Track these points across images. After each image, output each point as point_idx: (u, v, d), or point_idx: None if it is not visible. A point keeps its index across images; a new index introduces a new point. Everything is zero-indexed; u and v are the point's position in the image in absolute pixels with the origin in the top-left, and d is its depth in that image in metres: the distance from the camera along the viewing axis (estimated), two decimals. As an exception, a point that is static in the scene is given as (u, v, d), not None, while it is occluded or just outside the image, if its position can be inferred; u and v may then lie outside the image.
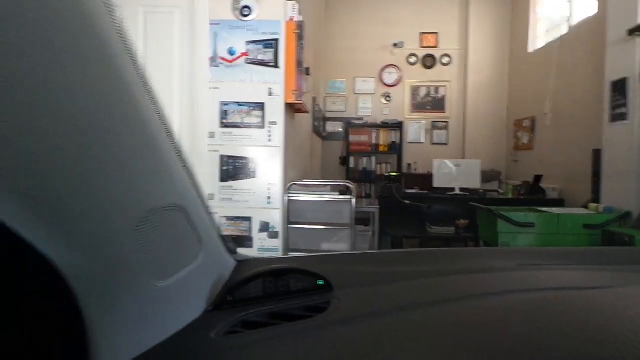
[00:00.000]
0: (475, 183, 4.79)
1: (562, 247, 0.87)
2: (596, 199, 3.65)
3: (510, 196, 4.77)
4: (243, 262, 0.70)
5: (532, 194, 4.66)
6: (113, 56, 0.32)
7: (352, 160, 6.29)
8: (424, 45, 6.38)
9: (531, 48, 5.61)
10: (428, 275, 0.61)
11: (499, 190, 5.44)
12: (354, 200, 2.95)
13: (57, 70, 0.27)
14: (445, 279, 0.59)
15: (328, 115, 6.49)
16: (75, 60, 0.28)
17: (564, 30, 4.86)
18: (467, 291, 0.53)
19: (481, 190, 4.85)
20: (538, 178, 4.70)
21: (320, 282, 0.56)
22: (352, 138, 6.30)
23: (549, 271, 0.62)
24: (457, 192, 4.73)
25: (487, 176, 5.53)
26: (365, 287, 0.57)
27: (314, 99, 4.87)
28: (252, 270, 0.56)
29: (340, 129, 6.50)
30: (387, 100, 6.48)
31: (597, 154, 3.76)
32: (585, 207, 3.61)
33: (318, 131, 5.55)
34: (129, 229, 0.37)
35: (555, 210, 3.44)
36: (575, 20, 4.67)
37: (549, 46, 5.12)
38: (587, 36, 4.32)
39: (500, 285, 0.54)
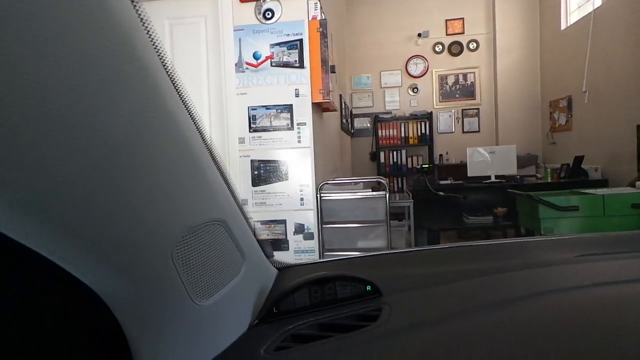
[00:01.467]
0: (511, 169, 4.64)
1: (621, 231, 0.81)
2: (643, 176, 3.47)
3: (549, 180, 4.59)
4: (284, 270, 0.70)
5: (573, 176, 4.47)
6: (149, 70, 0.32)
7: (381, 155, 6.23)
8: (450, 32, 6.23)
9: (563, 24, 5.38)
10: (482, 273, 0.58)
11: (537, 174, 5.25)
12: (388, 196, 2.91)
13: (98, 90, 0.26)
14: (502, 276, 0.55)
15: (355, 111, 6.44)
16: (114, 77, 0.28)
17: (597, 2, 4.62)
18: (528, 289, 0.49)
19: (518, 176, 4.69)
20: (579, 159, 4.50)
21: (369, 288, 0.54)
22: (381, 133, 6.23)
23: (613, 261, 0.58)
24: (493, 179, 4.59)
25: (523, 161, 5.35)
26: (415, 291, 0.54)
27: (340, 97, 4.84)
28: (295, 279, 0.54)
29: (368, 125, 6.44)
30: (415, 92, 6.37)
31: (642, 130, 3.57)
32: (632, 185, 3.43)
33: (346, 128, 5.52)
34: (169, 249, 0.36)
35: (599, 191, 3.27)
36: (609, -8, 4.44)
37: (582, 21, 4.89)
38: (622, 6, 4.10)
39: (563, 281, 0.50)
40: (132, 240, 0.32)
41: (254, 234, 0.57)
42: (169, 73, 0.35)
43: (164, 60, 0.34)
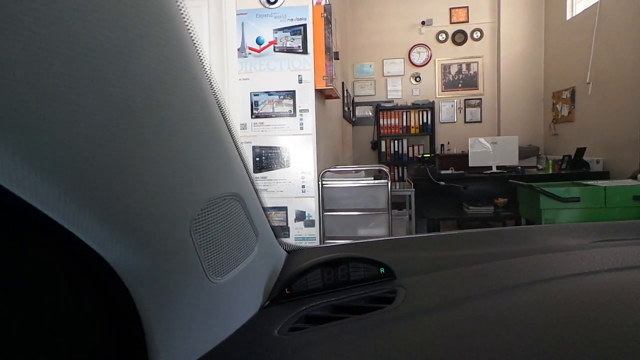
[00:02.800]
0: (512, 160, 4.63)
1: (636, 219, 0.80)
2: (645, 169, 3.46)
3: (550, 171, 4.59)
4: (294, 253, 0.69)
5: (574, 167, 4.46)
6: (177, 34, 0.31)
7: (382, 144, 6.21)
8: (454, 20, 6.16)
9: (569, 14, 5.32)
10: (497, 257, 0.57)
11: (538, 166, 5.24)
12: (389, 184, 2.90)
13: (123, 52, 0.25)
14: (516, 260, 0.54)
15: (357, 100, 6.41)
16: (141, 38, 0.27)
17: (603, -7, 4.57)
18: (543, 273, 0.48)
19: (519, 167, 4.69)
20: (580, 151, 4.49)
21: (382, 270, 0.53)
22: (383, 122, 6.20)
23: (628, 247, 0.57)
24: (494, 170, 4.59)
25: (525, 152, 5.34)
26: (430, 274, 0.54)
27: (343, 84, 4.81)
28: (305, 262, 0.53)
29: (370, 113, 6.41)
30: (417, 81, 6.33)
31: (645, 123, 3.55)
32: (634, 177, 3.43)
33: (348, 117, 5.49)
34: (188, 222, 0.35)
35: (601, 183, 3.27)
36: (616, -18, 4.39)
37: (587, 12, 4.83)
38: (629, -2, 4.06)
39: (579, 266, 0.50)
40: (153, 210, 0.31)
41: (267, 216, 0.56)
42: (195, 43, 0.34)
43: (190, 29, 0.33)
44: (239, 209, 0.45)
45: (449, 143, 6.20)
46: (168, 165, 0.31)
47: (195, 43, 0.34)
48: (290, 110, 2.78)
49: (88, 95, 0.23)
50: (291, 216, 2.89)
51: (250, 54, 2.76)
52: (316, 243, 2.91)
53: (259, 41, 2.74)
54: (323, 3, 2.73)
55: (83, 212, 0.26)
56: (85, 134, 0.24)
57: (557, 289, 0.44)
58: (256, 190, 0.52)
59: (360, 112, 6.42)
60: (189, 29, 0.33)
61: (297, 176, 2.84)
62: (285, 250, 0.67)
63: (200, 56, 0.35)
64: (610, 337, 0.33)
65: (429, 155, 5.60)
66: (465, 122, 6.27)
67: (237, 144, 0.45)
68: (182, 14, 0.32)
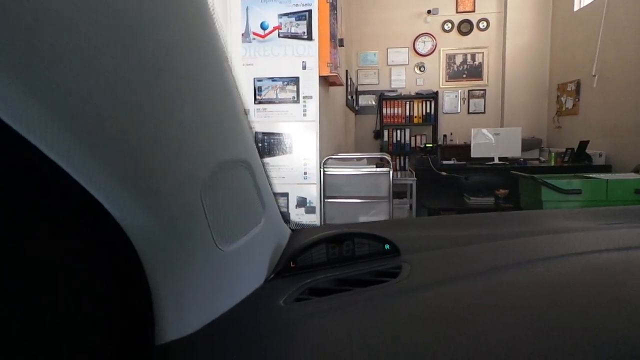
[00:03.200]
0: (515, 152, 4.62)
1: None
2: (648, 163, 3.46)
3: (553, 164, 4.58)
4: (298, 231, 0.70)
5: (577, 160, 4.45)
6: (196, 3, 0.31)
7: (385, 133, 6.19)
8: (460, 10, 6.10)
9: (577, 6, 5.26)
10: (500, 237, 0.57)
11: (540, 158, 5.23)
12: (391, 173, 2.91)
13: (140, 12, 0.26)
14: (520, 240, 0.55)
15: (360, 88, 6.37)
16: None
17: (612, -16, 4.52)
18: (546, 252, 0.49)
19: (521, 159, 4.68)
20: (583, 144, 4.47)
21: (387, 247, 0.54)
22: (386, 111, 6.18)
23: (634, 229, 0.58)
24: (496, 161, 4.58)
25: (527, 144, 5.32)
26: (434, 251, 0.54)
27: (347, 72, 4.78)
28: (311, 237, 0.54)
29: (373, 102, 6.38)
30: (421, 71, 6.29)
31: (650, 116, 3.54)
32: (636, 171, 3.43)
33: (351, 105, 5.47)
34: (198, 183, 0.35)
35: (602, 175, 3.27)
36: (626, -27, 4.33)
37: (595, 3, 4.78)
38: (639, -11, 4.01)
39: (583, 245, 0.50)
40: (165, 168, 0.30)
41: (273, 190, 0.57)
42: (212, 11, 0.34)
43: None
44: (248, 178, 0.45)
45: (451, 134, 6.18)
46: (180, 122, 0.31)
47: (209, 3, 0.34)
48: (294, 97, 2.77)
49: (105, 45, 0.24)
50: (292, 202, 2.90)
51: (254, 39, 2.74)
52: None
53: (263, 26, 2.72)
54: (329, -12, 2.70)
55: (93, 164, 0.26)
56: (99, 84, 0.24)
57: (561, 265, 0.45)
58: (264, 165, 0.52)
59: (364, 100, 6.40)
60: None
61: (299, 163, 2.85)
62: (290, 229, 0.68)
63: (214, 15, 0.35)
64: (617, 308, 0.34)
65: (431, 145, 5.57)
66: (469, 112, 6.24)
67: (246, 112, 0.46)
68: None
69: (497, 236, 0.59)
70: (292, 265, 0.51)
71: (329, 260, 0.52)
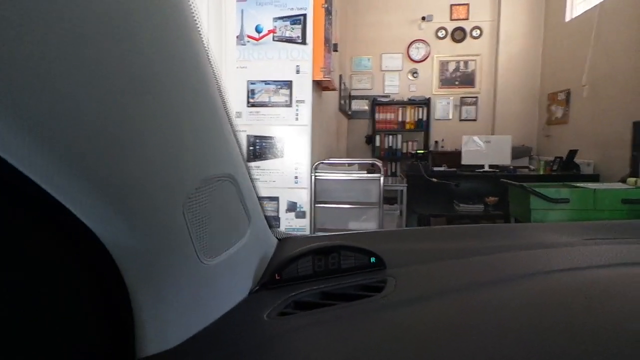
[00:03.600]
0: (505, 159, 4.66)
1: (628, 219, 0.81)
2: (635, 172, 3.51)
3: (542, 172, 4.63)
4: (285, 240, 0.69)
5: (566, 169, 4.50)
6: (182, 15, 0.31)
7: (377, 138, 6.21)
8: (454, 17, 6.15)
9: (568, 16, 5.34)
10: (485, 251, 0.58)
11: (530, 166, 5.28)
12: (382, 179, 2.91)
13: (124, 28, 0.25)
14: (505, 255, 0.55)
15: (353, 93, 6.39)
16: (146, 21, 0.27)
17: (603, -4, 4.58)
18: (530, 268, 0.49)
19: (511, 167, 4.72)
20: (572, 153, 4.53)
21: (373, 260, 0.54)
22: (378, 116, 6.20)
23: (616, 245, 0.58)
24: (487, 169, 4.62)
25: (517, 152, 5.37)
26: (420, 265, 0.54)
27: (340, 77, 4.79)
28: (297, 248, 0.54)
29: (366, 107, 6.40)
30: (414, 77, 6.32)
31: (637, 127, 3.59)
32: (624, 181, 3.47)
33: (344, 110, 5.48)
34: (182, 200, 0.34)
35: (590, 185, 3.31)
36: (616, -14, 4.39)
37: (587, 14, 4.85)
38: (628, 2, 4.07)
39: (566, 262, 0.51)
40: (147, 184, 0.30)
41: (260, 200, 0.56)
42: (193, 13, 0.34)
43: (194, 14, 0.33)
44: (232, 191, 0.45)
45: (443, 140, 6.21)
46: (163, 140, 0.31)
47: (194, 13, 0.34)
48: (287, 101, 2.77)
49: (83, 64, 0.23)
50: (282, 207, 2.90)
51: (248, 42, 2.74)
52: (307, 234, 2.92)
53: (258, 29, 2.72)
54: (324, -6, 2.71)
55: (75, 184, 0.25)
56: (80, 104, 0.24)
57: (545, 283, 0.45)
58: (250, 176, 0.52)
59: (357, 105, 6.41)
60: (190, 4, 0.33)
61: (290, 167, 2.84)
62: (277, 238, 0.68)
63: (199, 27, 0.35)
64: (599, 328, 0.34)
65: (422, 151, 5.61)
66: (460, 119, 6.29)
67: (234, 126, 0.45)
68: None
69: (483, 250, 0.59)
70: (277, 277, 0.51)
71: (315, 273, 0.52)
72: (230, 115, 0.44)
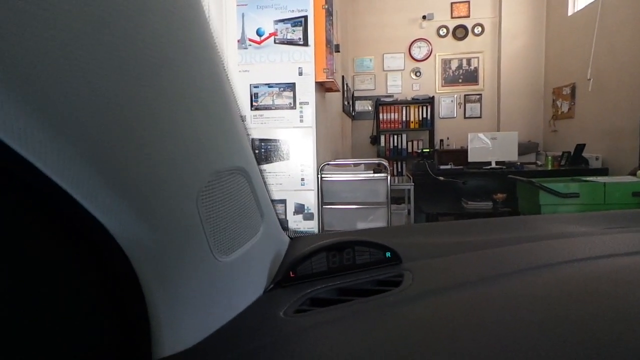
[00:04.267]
0: (512, 156, 4.63)
1: None
2: (645, 166, 3.47)
3: (549, 167, 4.59)
4: (297, 239, 0.68)
5: (574, 164, 4.46)
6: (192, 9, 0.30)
7: (382, 138, 6.19)
8: (455, 15, 6.13)
9: (570, 10, 5.30)
10: (505, 243, 0.56)
11: (537, 162, 5.25)
12: (389, 178, 2.90)
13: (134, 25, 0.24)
14: (523, 246, 0.54)
15: (357, 94, 6.39)
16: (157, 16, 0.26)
17: (605, -11, 4.55)
18: (550, 259, 0.48)
19: (518, 163, 4.70)
20: (580, 147, 4.49)
21: (388, 255, 0.53)
22: (382, 116, 6.19)
23: (637, 233, 0.57)
24: (493, 165, 4.59)
25: (524, 148, 5.34)
26: (436, 259, 0.53)
27: (343, 78, 4.79)
28: (311, 245, 0.53)
29: (370, 108, 6.39)
30: (417, 76, 6.31)
31: (645, 119, 3.55)
32: (633, 174, 3.43)
33: (348, 111, 5.47)
34: (195, 193, 0.34)
35: (600, 179, 3.27)
36: (618, -23, 4.36)
37: (590, 7, 4.82)
38: (632, -7, 4.04)
39: (587, 251, 0.49)
40: (159, 178, 0.29)
41: (272, 198, 0.55)
42: (209, 24, 0.33)
43: (205, 10, 0.32)
44: (245, 186, 0.44)
45: (448, 138, 6.19)
46: (176, 132, 0.30)
47: (205, 11, 0.33)
48: (290, 103, 2.77)
49: (98, 52, 0.23)
50: (290, 209, 2.89)
51: (250, 45, 2.74)
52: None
53: (259, 32, 2.72)
54: (324, -6, 2.71)
55: (87, 178, 0.25)
56: (93, 95, 0.23)
57: (566, 272, 0.44)
58: (261, 172, 0.51)
59: (360, 106, 6.40)
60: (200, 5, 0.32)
61: (296, 169, 2.83)
62: (289, 237, 0.66)
63: (210, 25, 0.34)
64: (626, 315, 0.33)
65: (428, 150, 5.59)
66: (465, 117, 6.26)
67: (244, 120, 0.45)
68: None
69: (499, 242, 0.58)
70: (291, 275, 0.49)
71: (330, 269, 0.51)
72: (239, 107, 0.43)
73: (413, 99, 6.14)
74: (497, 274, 0.45)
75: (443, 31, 6.18)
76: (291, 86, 2.75)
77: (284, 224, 0.64)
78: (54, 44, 0.20)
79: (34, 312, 0.27)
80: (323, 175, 2.88)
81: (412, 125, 6.16)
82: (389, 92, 6.35)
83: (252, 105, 2.79)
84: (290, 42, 2.71)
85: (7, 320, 0.25)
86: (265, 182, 0.53)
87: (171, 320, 0.34)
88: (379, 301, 0.42)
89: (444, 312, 0.38)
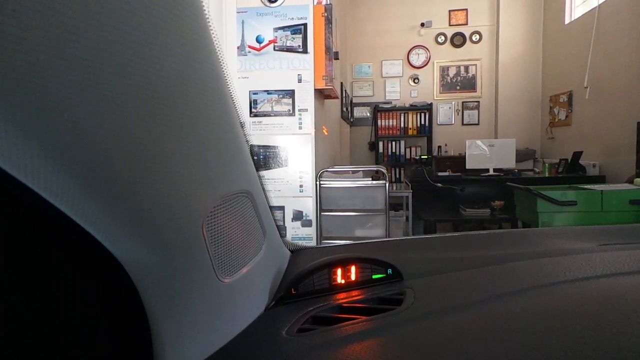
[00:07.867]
0: (509, 163, 4.65)
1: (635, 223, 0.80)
2: (642, 173, 3.48)
3: (547, 174, 4.61)
4: (297, 252, 0.68)
5: (571, 171, 4.48)
6: (196, 30, 0.30)
7: (380, 145, 6.20)
8: (453, 23, 6.17)
9: (567, 19, 5.34)
10: (503, 260, 0.56)
11: (534, 169, 5.26)
12: (387, 185, 2.90)
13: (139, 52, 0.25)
14: (523, 263, 0.54)
15: (355, 100, 6.40)
16: (159, 31, 0.26)
17: (602, -2, 4.59)
18: (551, 277, 0.48)
19: (516, 170, 4.71)
20: (577, 155, 4.50)
21: (389, 271, 0.53)
22: (380, 122, 6.20)
23: (634, 251, 0.57)
24: (491, 172, 4.60)
25: (521, 155, 5.35)
26: (437, 276, 0.53)
27: (342, 84, 4.80)
28: (309, 262, 0.53)
29: (368, 114, 6.40)
30: (415, 82, 6.33)
31: (642, 127, 3.57)
32: (631, 182, 3.44)
33: (346, 117, 5.48)
34: (201, 219, 0.34)
35: (597, 186, 3.28)
36: (615, -13, 4.40)
37: (587, 16, 4.85)
38: (627, 1, 4.08)
39: (588, 269, 0.49)
40: (165, 206, 0.30)
41: (273, 214, 0.55)
42: (214, 37, 0.33)
43: (210, 23, 0.32)
44: (249, 207, 0.44)
45: (446, 145, 6.20)
46: (183, 161, 0.30)
47: (214, 37, 0.33)
48: (289, 110, 2.77)
49: (109, 84, 0.23)
50: (288, 216, 2.88)
51: (250, 52, 2.75)
52: (313, 243, 2.90)
53: (259, 40, 2.73)
54: (324, 2, 2.72)
55: (94, 206, 0.25)
56: (101, 125, 0.23)
57: (566, 292, 0.44)
58: (263, 187, 0.51)
59: (358, 112, 6.42)
60: (209, 23, 0.32)
61: (295, 176, 2.83)
62: (289, 250, 0.66)
63: (218, 50, 0.34)
64: (622, 340, 0.33)
65: (426, 156, 5.60)
66: (463, 124, 6.28)
67: (249, 141, 0.45)
68: (203, 8, 0.31)
69: (499, 258, 0.58)
70: (293, 291, 0.49)
71: (331, 286, 0.51)
72: (244, 129, 0.43)
73: (411, 105, 6.16)
74: (500, 293, 0.45)
75: (441, 38, 6.21)
76: (290, 93, 2.76)
77: (281, 231, 0.64)
78: (68, 75, 0.20)
79: (41, 338, 0.27)
80: (321, 182, 2.88)
81: (410, 132, 6.17)
82: (387, 98, 6.37)
83: (251, 112, 2.79)
84: (290, 50, 2.72)
85: (25, 338, 0.25)
86: (267, 197, 0.53)
87: (174, 343, 0.34)
88: (382, 320, 0.42)
89: (448, 332, 0.38)
